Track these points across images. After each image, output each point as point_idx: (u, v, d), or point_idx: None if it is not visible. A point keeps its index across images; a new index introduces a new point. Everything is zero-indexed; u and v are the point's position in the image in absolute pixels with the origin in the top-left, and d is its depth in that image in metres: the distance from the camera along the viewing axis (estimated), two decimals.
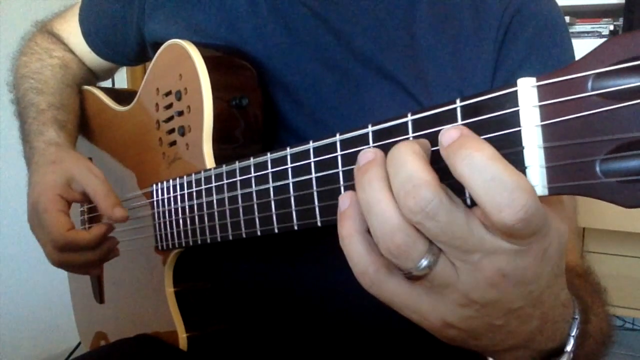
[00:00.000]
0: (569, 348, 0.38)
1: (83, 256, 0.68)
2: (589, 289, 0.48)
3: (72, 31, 0.88)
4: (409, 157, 0.31)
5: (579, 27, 1.90)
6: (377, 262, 0.34)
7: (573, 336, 0.39)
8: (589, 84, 0.27)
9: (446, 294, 0.33)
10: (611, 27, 1.87)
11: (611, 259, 1.91)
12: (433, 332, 0.36)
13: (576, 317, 0.39)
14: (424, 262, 0.32)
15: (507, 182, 0.28)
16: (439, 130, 0.32)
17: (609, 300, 0.50)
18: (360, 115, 0.63)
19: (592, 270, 0.54)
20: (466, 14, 0.63)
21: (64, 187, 0.68)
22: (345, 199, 0.35)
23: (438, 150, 0.31)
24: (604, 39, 1.83)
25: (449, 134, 0.30)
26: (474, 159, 0.29)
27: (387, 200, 0.31)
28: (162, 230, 0.66)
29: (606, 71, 0.26)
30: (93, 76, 0.92)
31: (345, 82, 0.64)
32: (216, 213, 0.55)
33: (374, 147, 0.37)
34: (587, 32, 1.89)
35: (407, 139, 0.34)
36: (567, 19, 1.82)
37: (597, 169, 0.26)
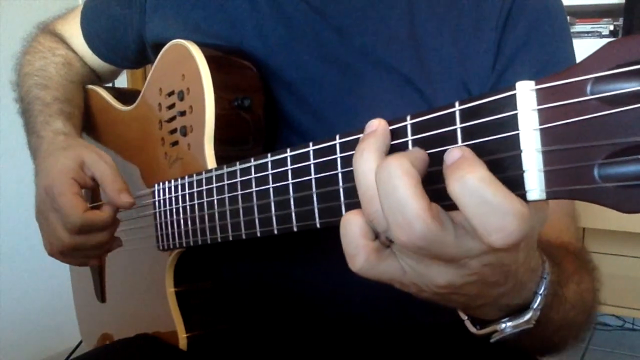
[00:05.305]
0: (534, 305, 0.40)
1: (96, 238, 0.68)
2: (575, 262, 0.49)
3: (74, 33, 0.88)
4: (400, 181, 0.30)
5: (579, 27, 1.89)
6: (368, 246, 0.35)
7: (540, 294, 0.40)
8: (588, 88, 0.27)
9: (426, 279, 0.35)
10: (611, 27, 1.87)
11: (611, 259, 1.91)
12: (409, 292, 0.37)
13: (545, 276, 0.40)
14: None
15: (497, 207, 0.28)
16: (438, 134, 0.32)
17: (604, 293, 0.52)
18: (364, 109, 0.63)
19: (587, 252, 0.56)
20: (466, 3, 0.63)
21: (77, 171, 0.68)
22: None
23: (438, 169, 0.31)
24: (604, 39, 1.83)
25: (452, 154, 0.30)
26: (466, 181, 0.29)
27: (370, 169, 0.33)
28: (163, 230, 0.66)
29: (606, 75, 0.26)
30: (96, 77, 0.92)
31: (347, 77, 0.64)
32: (217, 214, 0.55)
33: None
34: (587, 32, 1.88)
35: (407, 142, 0.34)
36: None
37: (595, 173, 0.26)
